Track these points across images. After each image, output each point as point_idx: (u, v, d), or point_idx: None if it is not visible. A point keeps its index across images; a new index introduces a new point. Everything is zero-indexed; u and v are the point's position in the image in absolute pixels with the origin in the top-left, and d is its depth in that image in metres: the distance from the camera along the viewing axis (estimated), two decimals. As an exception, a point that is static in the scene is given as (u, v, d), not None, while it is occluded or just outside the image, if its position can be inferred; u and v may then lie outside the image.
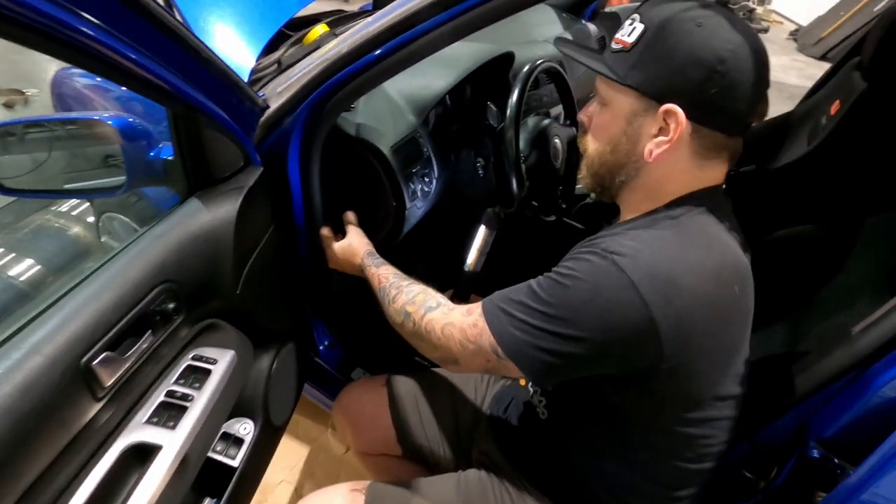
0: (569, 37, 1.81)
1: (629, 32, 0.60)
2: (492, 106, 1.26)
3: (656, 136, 0.60)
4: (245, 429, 0.88)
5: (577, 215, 1.64)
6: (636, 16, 0.61)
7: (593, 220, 1.63)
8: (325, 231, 0.96)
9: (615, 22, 2.15)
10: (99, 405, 0.57)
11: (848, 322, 0.72)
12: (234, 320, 0.80)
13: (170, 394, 0.68)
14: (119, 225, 1.33)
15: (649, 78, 0.58)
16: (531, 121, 1.16)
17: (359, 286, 1.36)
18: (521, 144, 1.09)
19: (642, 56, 0.58)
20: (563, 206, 1.25)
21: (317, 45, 1.17)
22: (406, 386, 1.02)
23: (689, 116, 0.57)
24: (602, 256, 0.56)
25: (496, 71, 1.29)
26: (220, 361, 0.74)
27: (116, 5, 0.52)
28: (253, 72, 1.06)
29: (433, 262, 1.46)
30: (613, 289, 0.54)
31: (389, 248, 1.07)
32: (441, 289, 0.90)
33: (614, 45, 0.62)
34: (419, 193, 1.04)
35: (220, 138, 0.71)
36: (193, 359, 0.72)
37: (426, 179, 1.06)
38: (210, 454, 0.79)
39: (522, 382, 0.82)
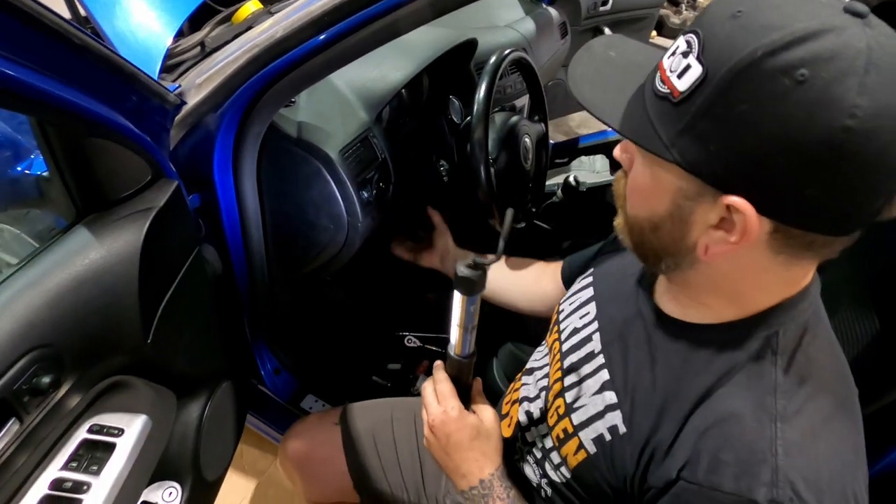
0: (531, 22, 1.69)
1: (681, 69, 0.37)
2: (454, 100, 1.13)
3: (716, 227, 0.40)
4: (171, 494, 0.73)
5: (543, 215, 1.55)
6: (692, 39, 0.37)
7: (561, 220, 1.55)
8: (444, 383, 0.62)
9: (575, 6, 2.06)
10: None
11: (835, 329, 0.65)
12: (148, 372, 0.64)
13: (56, 484, 0.52)
14: (10, 237, 1.10)
15: (706, 157, 0.37)
16: (499, 118, 1.04)
17: (307, 304, 1.21)
18: (490, 145, 0.97)
19: (697, 119, 0.36)
20: (533, 209, 1.15)
21: (248, 24, 1.00)
22: (363, 421, 0.89)
23: (763, 212, 0.37)
24: None
25: (457, 60, 1.15)
26: (128, 431, 0.59)
27: None
28: (168, 55, 0.88)
29: (391, 284, 1.32)
30: None
31: (339, 268, 0.93)
32: (407, 321, 0.72)
33: (658, 85, 0.39)
34: (374, 203, 0.90)
35: (114, 147, 0.54)
36: (91, 431, 0.57)
37: (382, 186, 0.92)
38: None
39: (507, 434, 0.69)
